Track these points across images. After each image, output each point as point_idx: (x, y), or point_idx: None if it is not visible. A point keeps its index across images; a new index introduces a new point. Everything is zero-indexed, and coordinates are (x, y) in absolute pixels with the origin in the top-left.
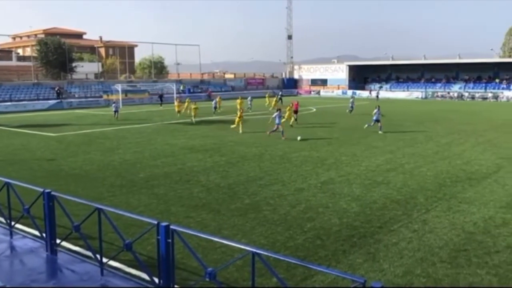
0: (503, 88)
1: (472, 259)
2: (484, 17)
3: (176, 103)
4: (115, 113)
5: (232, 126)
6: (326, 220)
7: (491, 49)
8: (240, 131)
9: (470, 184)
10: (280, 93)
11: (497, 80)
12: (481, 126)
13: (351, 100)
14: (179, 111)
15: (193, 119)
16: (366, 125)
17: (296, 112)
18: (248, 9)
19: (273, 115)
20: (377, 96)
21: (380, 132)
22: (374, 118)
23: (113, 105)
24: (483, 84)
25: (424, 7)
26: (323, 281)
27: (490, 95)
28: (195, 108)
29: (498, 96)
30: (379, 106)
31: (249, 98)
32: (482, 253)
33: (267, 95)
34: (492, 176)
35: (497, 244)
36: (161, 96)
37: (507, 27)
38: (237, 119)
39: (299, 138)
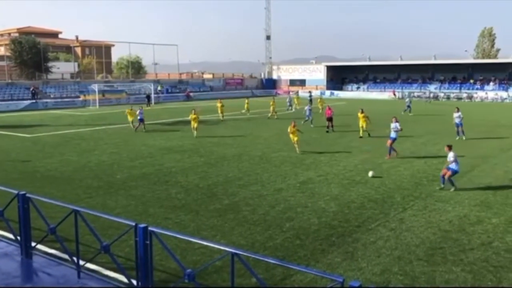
0: (477, 89)
1: (448, 256)
2: (458, 19)
3: (127, 111)
4: (140, 123)
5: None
6: (305, 219)
7: (466, 51)
8: (298, 149)
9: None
10: (310, 93)
11: (471, 81)
12: (447, 126)
13: (407, 100)
14: (132, 122)
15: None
16: (458, 137)
17: (330, 119)
18: (226, 9)
19: (392, 127)
20: (430, 97)
21: (459, 137)
22: (457, 122)
23: (138, 112)
24: (458, 85)
25: (401, 9)
26: (302, 280)
27: (464, 95)
28: (195, 119)
29: (472, 97)
30: (458, 108)
31: (288, 98)
32: (457, 251)
33: (295, 96)
34: (466, 175)
35: (471, 241)
36: (148, 97)
37: (480, 29)
38: (293, 139)
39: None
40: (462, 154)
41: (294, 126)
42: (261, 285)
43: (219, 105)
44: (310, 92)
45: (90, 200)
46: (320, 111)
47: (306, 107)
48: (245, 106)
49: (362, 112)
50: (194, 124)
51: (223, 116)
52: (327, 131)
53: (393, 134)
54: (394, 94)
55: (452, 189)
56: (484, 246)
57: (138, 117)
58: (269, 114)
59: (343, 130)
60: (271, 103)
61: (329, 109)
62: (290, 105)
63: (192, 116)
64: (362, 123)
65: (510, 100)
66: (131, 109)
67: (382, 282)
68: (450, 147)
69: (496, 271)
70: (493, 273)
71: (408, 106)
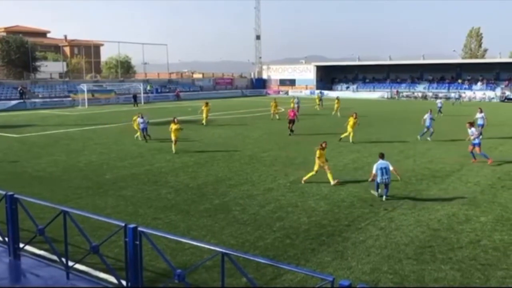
0: (465, 88)
1: (437, 255)
2: (447, 19)
3: (134, 118)
4: (143, 132)
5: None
6: (295, 219)
7: (454, 50)
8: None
9: (434, 182)
10: (321, 93)
11: (459, 81)
12: (445, 125)
13: (438, 101)
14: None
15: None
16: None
17: (292, 121)
18: (216, 9)
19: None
20: (459, 98)
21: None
22: (480, 122)
23: (140, 120)
24: (446, 84)
25: (391, 9)
26: (292, 280)
27: (453, 95)
28: (177, 130)
29: (460, 96)
30: (481, 109)
31: (295, 99)
32: (446, 249)
33: (317, 96)
34: (455, 174)
35: (460, 240)
36: (135, 96)
37: (468, 29)
38: (322, 164)
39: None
40: (451, 153)
41: (324, 148)
42: (252, 284)
43: (204, 108)
44: (321, 92)
45: (79, 200)
46: (333, 112)
47: (426, 115)
48: (291, 105)
49: (356, 117)
50: (175, 135)
51: (205, 120)
52: (290, 134)
53: (475, 140)
54: (397, 93)
55: (374, 192)
56: (472, 245)
57: (141, 126)
58: (272, 116)
59: (333, 132)
60: (272, 104)
61: (292, 111)
62: (298, 108)
63: (173, 126)
64: (351, 127)
65: (497, 99)
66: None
67: (372, 281)
68: (382, 156)
69: (484, 269)
70: (481, 271)
71: (439, 107)
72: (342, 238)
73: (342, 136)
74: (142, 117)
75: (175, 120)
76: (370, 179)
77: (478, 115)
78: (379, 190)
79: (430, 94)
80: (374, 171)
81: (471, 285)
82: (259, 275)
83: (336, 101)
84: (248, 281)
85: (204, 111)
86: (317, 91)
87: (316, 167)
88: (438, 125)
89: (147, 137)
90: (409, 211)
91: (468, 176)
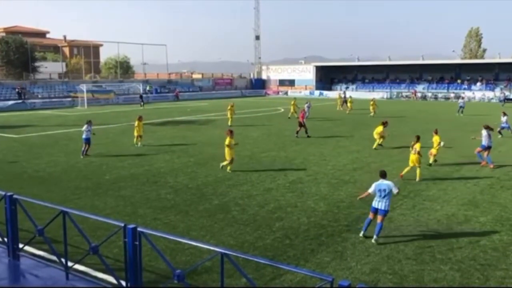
0: (464, 89)
1: (436, 255)
2: (446, 19)
3: (137, 123)
4: (84, 145)
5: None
6: (294, 219)
7: (453, 51)
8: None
9: (433, 182)
10: (345, 93)
11: (459, 81)
12: (444, 125)
13: (460, 101)
14: (138, 138)
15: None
16: (500, 136)
17: (302, 125)
18: (216, 9)
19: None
20: (504, 100)
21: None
22: (507, 126)
23: (86, 128)
24: (446, 85)
25: (390, 9)
26: (292, 280)
27: (452, 95)
28: None
29: (459, 97)
30: (504, 112)
31: (307, 103)
32: (445, 249)
33: (338, 96)
34: (454, 174)
35: (459, 240)
36: (141, 96)
37: (467, 29)
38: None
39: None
40: (450, 153)
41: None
42: (251, 285)
43: (230, 109)
44: (344, 92)
45: (78, 201)
46: (372, 114)
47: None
48: (348, 104)
49: (384, 126)
50: (231, 154)
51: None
52: (297, 136)
53: (484, 142)
54: (415, 94)
55: (361, 233)
56: (471, 245)
57: (83, 135)
58: (290, 114)
59: (331, 135)
60: (292, 102)
61: (302, 113)
62: (307, 114)
63: (231, 141)
64: (377, 134)
65: (496, 100)
66: (140, 121)
67: (371, 281)
68: (383, 174)
69: (483, 269)
70: (480, 271)
71: (461, 107)
72: (342, 239)
73: (375, 145)
74: (89, 124)
75: (231, 133)
76: (359, 197)
77: (502, 118)
78: (367, 228)
79: (429, 94)
80: (370, 191)
81: (471, 285)
82: (258, 276)
83: (372, 102)
84: (247, 282)
85: (229, 112)
86: (340, 92)
87: (414, 162)
88: (440, 125)
89: (84, 152)
90: (408, 211)
91: (468, 176)
